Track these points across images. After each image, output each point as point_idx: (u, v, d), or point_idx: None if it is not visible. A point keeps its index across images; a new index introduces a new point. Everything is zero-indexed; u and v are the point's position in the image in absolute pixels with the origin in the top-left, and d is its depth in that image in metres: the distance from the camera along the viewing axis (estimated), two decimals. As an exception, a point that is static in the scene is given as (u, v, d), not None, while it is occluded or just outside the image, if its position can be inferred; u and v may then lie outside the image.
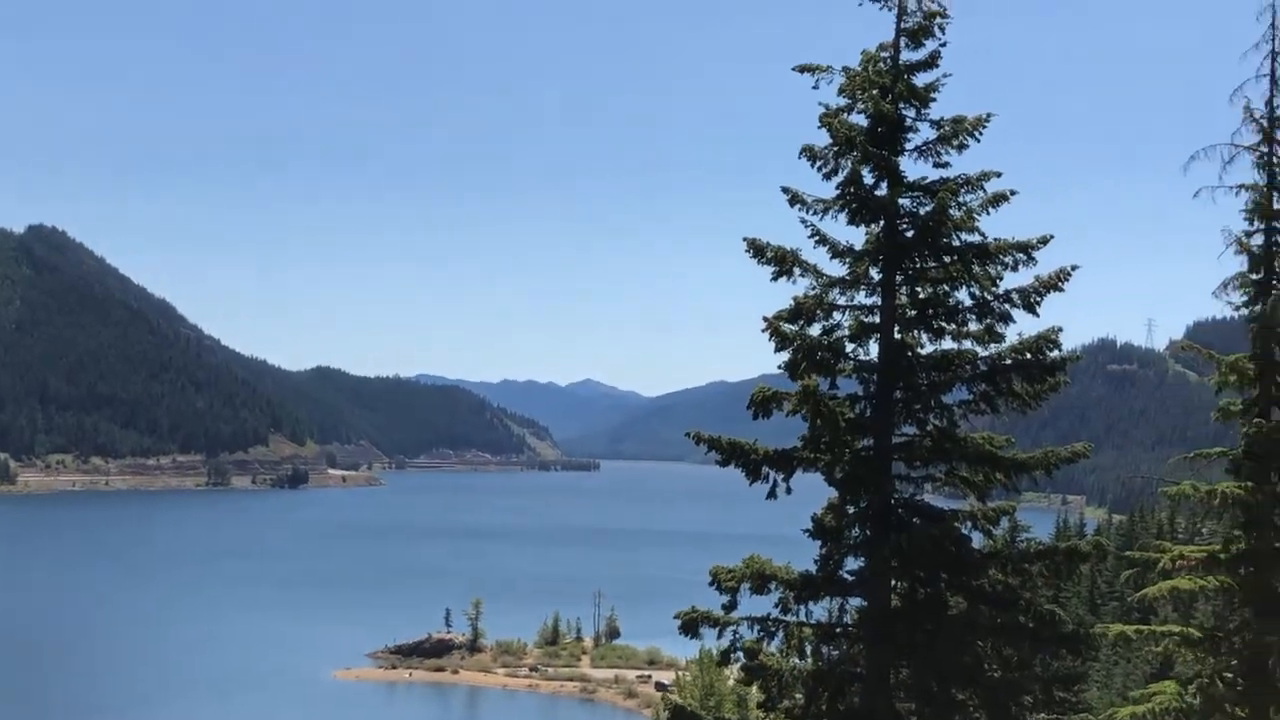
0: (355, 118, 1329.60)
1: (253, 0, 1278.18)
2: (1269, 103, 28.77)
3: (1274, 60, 28.67)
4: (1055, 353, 24.78)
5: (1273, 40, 28.67)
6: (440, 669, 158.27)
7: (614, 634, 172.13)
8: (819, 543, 25.28)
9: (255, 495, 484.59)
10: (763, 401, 24.60)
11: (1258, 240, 28.92)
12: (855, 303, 25.50)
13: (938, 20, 25.01)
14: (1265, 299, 28.61)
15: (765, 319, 24.96)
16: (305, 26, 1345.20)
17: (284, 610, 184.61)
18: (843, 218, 25.30)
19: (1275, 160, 28.78)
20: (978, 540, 25.70)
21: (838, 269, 25.37)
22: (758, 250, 25.15)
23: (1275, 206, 28.74)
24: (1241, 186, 28.93)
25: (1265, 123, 28.76)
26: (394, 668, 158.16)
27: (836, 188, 25.15)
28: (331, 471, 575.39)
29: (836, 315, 25.41)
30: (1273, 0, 28.71)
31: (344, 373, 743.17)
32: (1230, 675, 28.29)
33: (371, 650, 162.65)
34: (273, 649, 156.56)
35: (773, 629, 24.85)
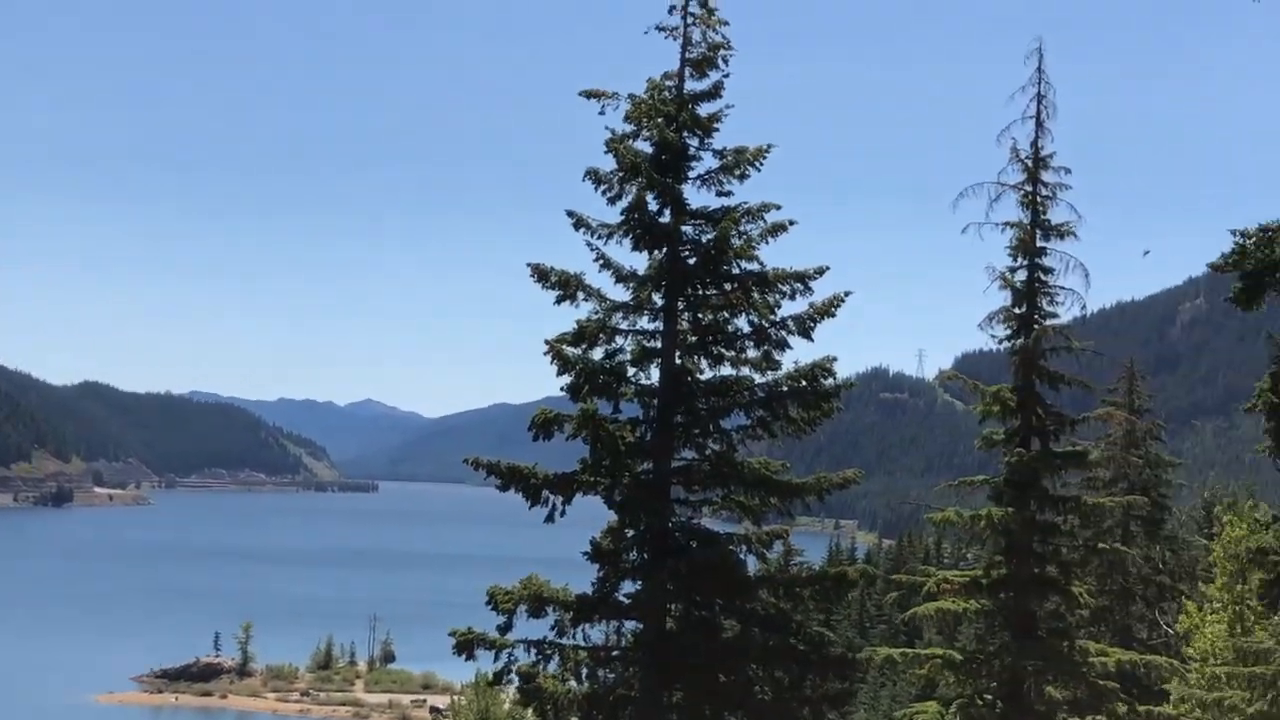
0: (120, 121, 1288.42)
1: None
2: (1034, 144, 29.99)
3: (1039, 103, 29.90)
4: (829, 380, 25.35)
5: (1038, 83, 29.91)
6: (208, 693, 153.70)
7: (389, 658, 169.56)
8: (597, 566, 25.37)
9: (16, 513, 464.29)
10: (544, 424, 24.64)
11: (1021, 276, 30.09)
12: (638, 328, 25.74)
13: (721, 52, 25.46)
14: (1027, 332, 29.77)
15: (547, 342, 25.00)
16: (64, 30, 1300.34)
17: (44, 633, 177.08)
18: (627, 243, 25.50)
19: (1039, 199, 29.98)
20: (753, 564, 26.11)
21: (621, 294, 25.60)
22: (542, 274, 25.20)
23: (1038, 244, 29.94)
24: (1007, 224, 30.08)
25: (1030, 163, 29.96)
26: (160, 692, 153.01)
27: (621, 213, 25.35)
28: (98, 490, 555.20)
29: (619, 340, 25.61)
30: (1039, 45, 29.97)
31: (113, 388, 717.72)
32: (989, 697, 29.28)
33: (136, 674, 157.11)
34: (31, 673, 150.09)
35: (549, 652, 24.84)
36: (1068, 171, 30.06)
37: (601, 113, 25.32)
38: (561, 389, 25.23)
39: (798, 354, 25.43)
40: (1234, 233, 24.83)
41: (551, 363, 25.06)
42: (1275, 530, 22.93)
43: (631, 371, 25.59)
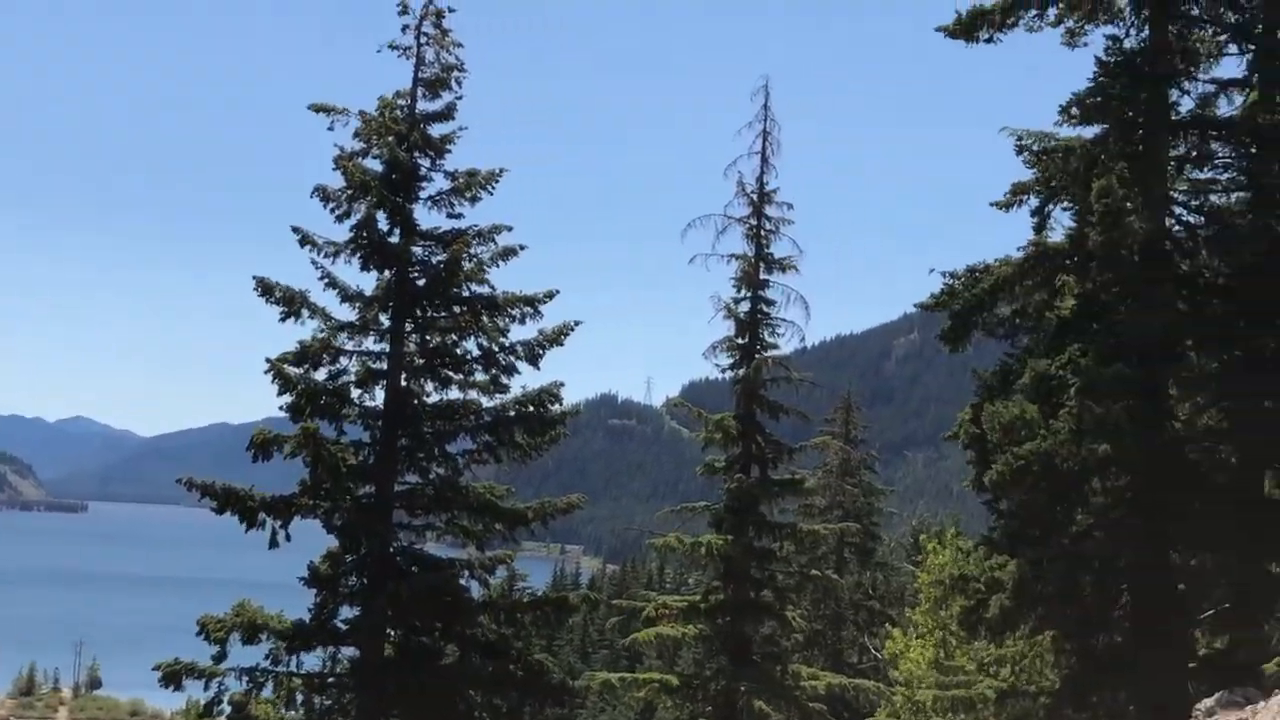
0: None
1: None
2: (759, 179, 30.78)
3: (765, 139, 30.71)
4: (556, 406, 25.48)
5: (764, 120, 30.72)
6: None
7: (95, 684, 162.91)
8: (315, 591, 24.86)
9: None
10: (263, 444, 24.04)
11: (745, 307, 30.80)
12: (363, 349, 25.40)
13: (455, 74, 25.41)
14: (749, 363, 30.46)
15: (269, 360, 24.45)
16: None
17: None
18: (355, 262, 25.17)
19: (763, 232, 30.75)
20: (476, 590, 25.96)
21: (348, 313, 25.22)
22: (266, 290, 24.65)
23: (761, 276, 30.69)
24: (732, 256, 30.77)
25: (755, 197, 30.72)
26: None
27: (349, 231, 25.01)
28: None
29: (344, 360, 25.25)
30: (765, 82, 30.80)
31: None
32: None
33: None
34: None
35: (262, 680, 24.18)
36: (790, 207, 30.93)
37: (331, 129, 25.02)
38: (281, 409, 24.71)
39: (525, 378, 25.54)
40: (943, 273, 25.91)
41: (273, 382, 24.51)
42: (975, 558, 23.92)
43: (356, 393, 25.28)
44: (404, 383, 25.33)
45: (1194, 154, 25.10)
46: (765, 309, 30.77)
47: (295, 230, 24.96)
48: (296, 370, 24.61)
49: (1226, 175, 25.23)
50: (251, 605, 24.29)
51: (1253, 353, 23.27)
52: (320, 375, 24.94)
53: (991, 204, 26.07)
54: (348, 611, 25.02)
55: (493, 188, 25.66)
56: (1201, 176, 25.50)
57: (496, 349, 25.41)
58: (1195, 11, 25.24)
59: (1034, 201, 25.79)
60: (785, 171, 31.02)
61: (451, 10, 25.36)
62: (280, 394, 24.53)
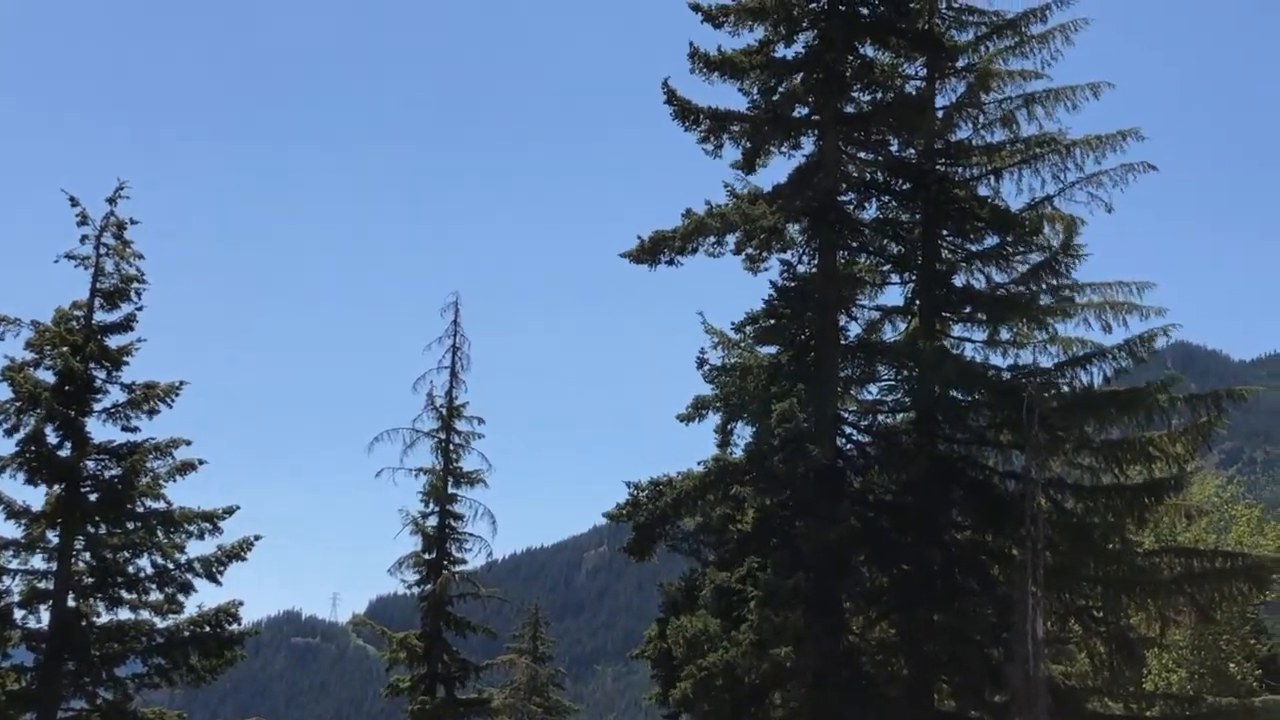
0: None
1: None
2: (449, 393, 31.04)
3: (455, 354, 31.11)
4: (235, 626, 24.71)
5: (454, 335, 31.16)
6: None
7: None
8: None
9: None
10: (-89, 672, 22.50)
11: (433, 521, 30.70)
12: (29, 567, 24.24)
13: (135, 285, 24.89)
14: (435, 578, 30.22)
15: (-75, 581, 23.07)
16: None
17: None
18: (21, 476, 24.11)
19: (452, 447, 30.87)
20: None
21: (13, 530, 24.11)
22: (-76, 507, 23.37)
23: (450, 490, 30.70)
24: (421, 470, 30.75)
25: (445, 411, 30.91)
26: None
27: (16, 444, 24.02)
28: None
29: (7, 580, 24.04)
30: (455, 299, 31.29)
31: None
32: None
33: None
34: None
35: None
36: (481, 421, 31.21)
37: (1, 339, 24.13)
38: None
39: (204, 596, 24.73)
40: (628, 484, 26.43)
41: (-73, 605, 23.07)
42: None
43: (20, 614, 23.96)
44: (72, 603, 24.18)
45: (861, 376, 26.52)
46: (453, 523, 30.76)
47: (-40, 446, 23.83)
48: (-46, 592, 23.25)
49: (892, 397, 26.71)
50: None
51: (920, 566, 24.36)
52: (-19, 597, 23.62)
53: (677, 417, 26.93)
54: None
55: (172, 400, 25.07)
56: (869, 398, 26.92)
57: (172, 566, 24.65)
58: (863, 238, 26.91)
59: (714, 416, 26.70)
60: (475, 383, 31.39)
61: (134, 222, 25.01)
62: (-65, 616, 23.08)
